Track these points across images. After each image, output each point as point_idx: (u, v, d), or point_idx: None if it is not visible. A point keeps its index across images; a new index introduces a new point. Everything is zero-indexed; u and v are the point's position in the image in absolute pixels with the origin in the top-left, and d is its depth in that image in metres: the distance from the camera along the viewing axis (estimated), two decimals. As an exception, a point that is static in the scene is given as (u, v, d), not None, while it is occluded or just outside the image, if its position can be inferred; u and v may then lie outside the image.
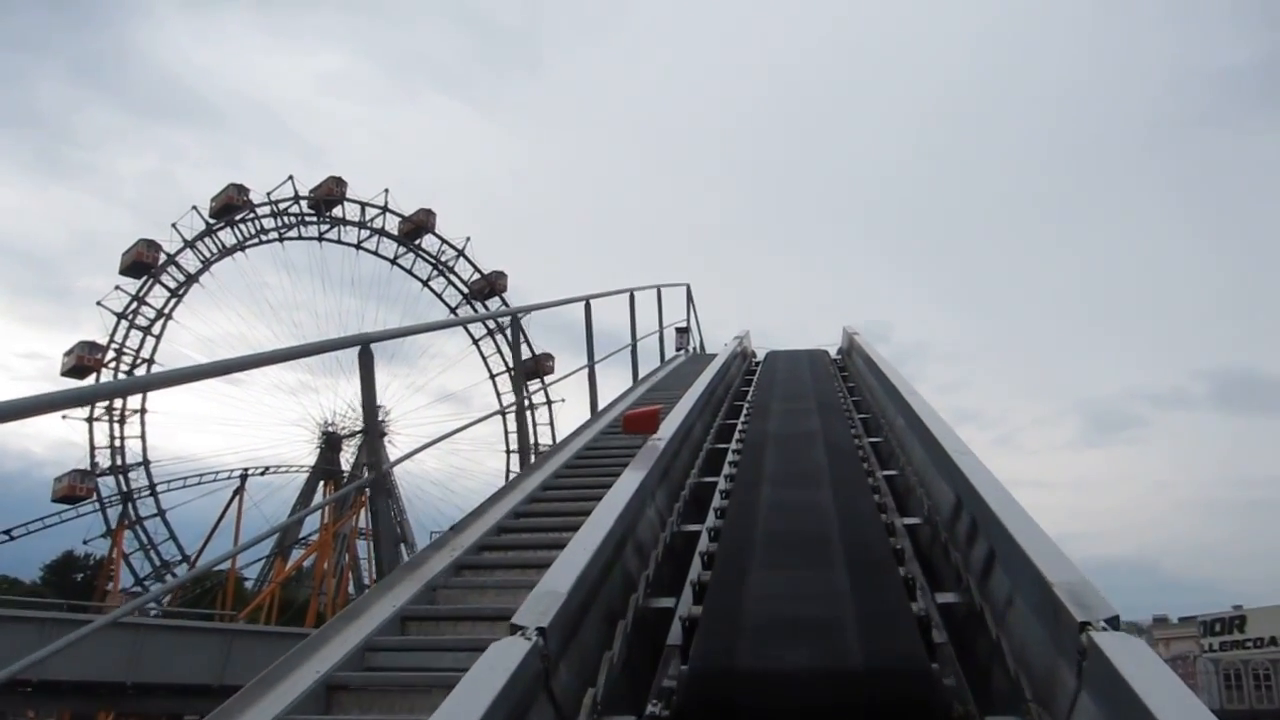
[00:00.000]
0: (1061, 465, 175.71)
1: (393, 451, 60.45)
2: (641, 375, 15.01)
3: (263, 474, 51.89)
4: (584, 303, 14.05)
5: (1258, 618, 46.58)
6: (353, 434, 62.36)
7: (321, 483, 58.00)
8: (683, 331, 19.68)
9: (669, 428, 7.24)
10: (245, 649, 27.00)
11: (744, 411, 10.61)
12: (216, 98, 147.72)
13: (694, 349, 20.12)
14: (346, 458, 62.61)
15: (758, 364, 15.87)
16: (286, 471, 56.89)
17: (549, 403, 61.34)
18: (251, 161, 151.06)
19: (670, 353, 18.78)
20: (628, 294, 16.73)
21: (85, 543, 57.52)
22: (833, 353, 16.87)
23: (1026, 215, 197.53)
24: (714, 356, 15.21)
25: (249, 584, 57.59)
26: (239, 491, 47.14)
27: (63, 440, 56.47)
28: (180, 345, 57.00)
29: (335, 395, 61.43)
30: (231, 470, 51.37)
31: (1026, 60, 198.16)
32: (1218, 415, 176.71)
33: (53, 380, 56.97)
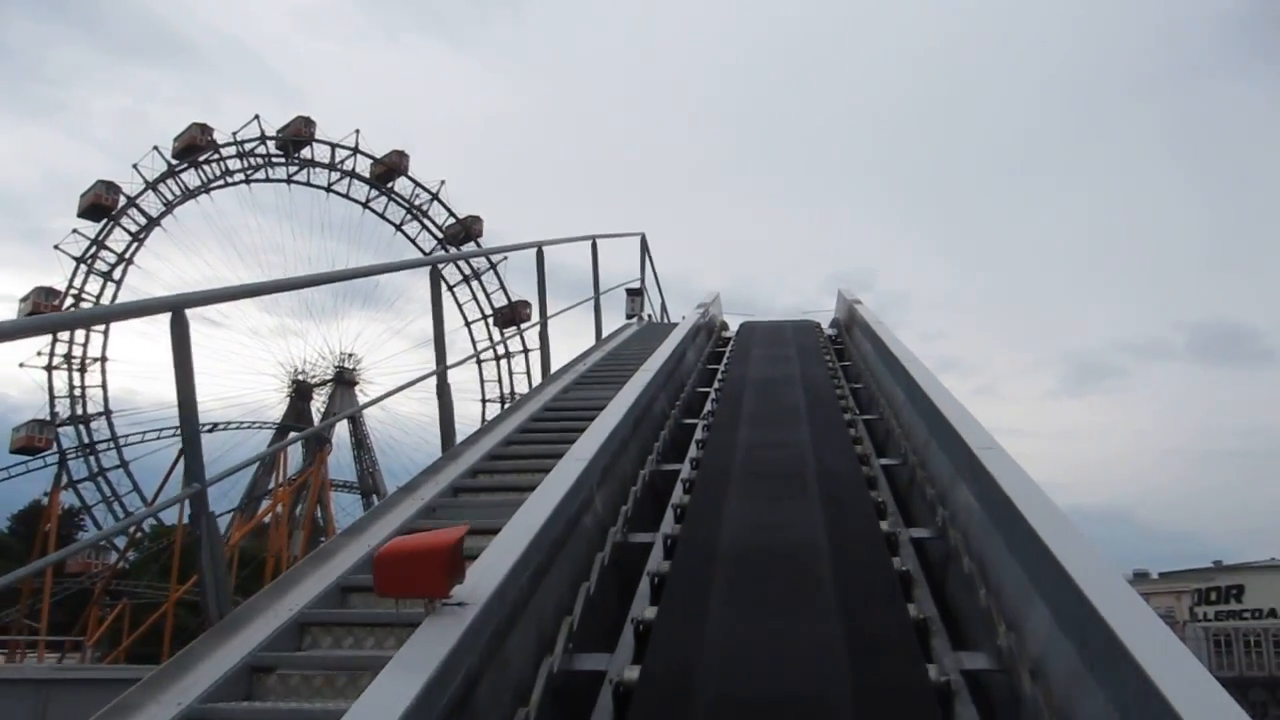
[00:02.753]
0: (1042, 414, 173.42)
1: (362, 399, 57.33)
2: (567, 361, 10.95)
3: (209, 430, 47.79)
4: (536, 249, 11.41)
5: (1256, 586, 43.35)
6: (324, 382, 58.85)
7: (282, 435, 54.06)
8: (635, 294, 15.65)
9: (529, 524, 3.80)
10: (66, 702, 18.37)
11: (693, 447, 6.66)
12: (191, 34, 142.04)
13: (649, 316, 16.05)
14: (317, 407, 59.19)
15: (729, 340, 11.88)
16: (240, 428, 52.86)
17: (525, 350, 57.31)
18: (227, 101, 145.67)
19: (618, 322, 14.74)
20: (589, 241, 12.90)
21: (45, 495, 53.62)
22: (825, 324, 12.90)
23: (1014, 165, 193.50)
24: (673, 328, 11.35)
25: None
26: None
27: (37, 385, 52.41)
28: (140, 292, 52.83)
29: (305, 343, 57.79)
30: (175, 429, 47.10)
31: (1019, 6, 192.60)
32: (1197, 366, 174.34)
33: (16, 326, 52.85)
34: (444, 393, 7.62)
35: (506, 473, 7.03)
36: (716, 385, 8.73)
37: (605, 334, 13.36)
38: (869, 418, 7.40)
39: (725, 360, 10.18)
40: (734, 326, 13.05)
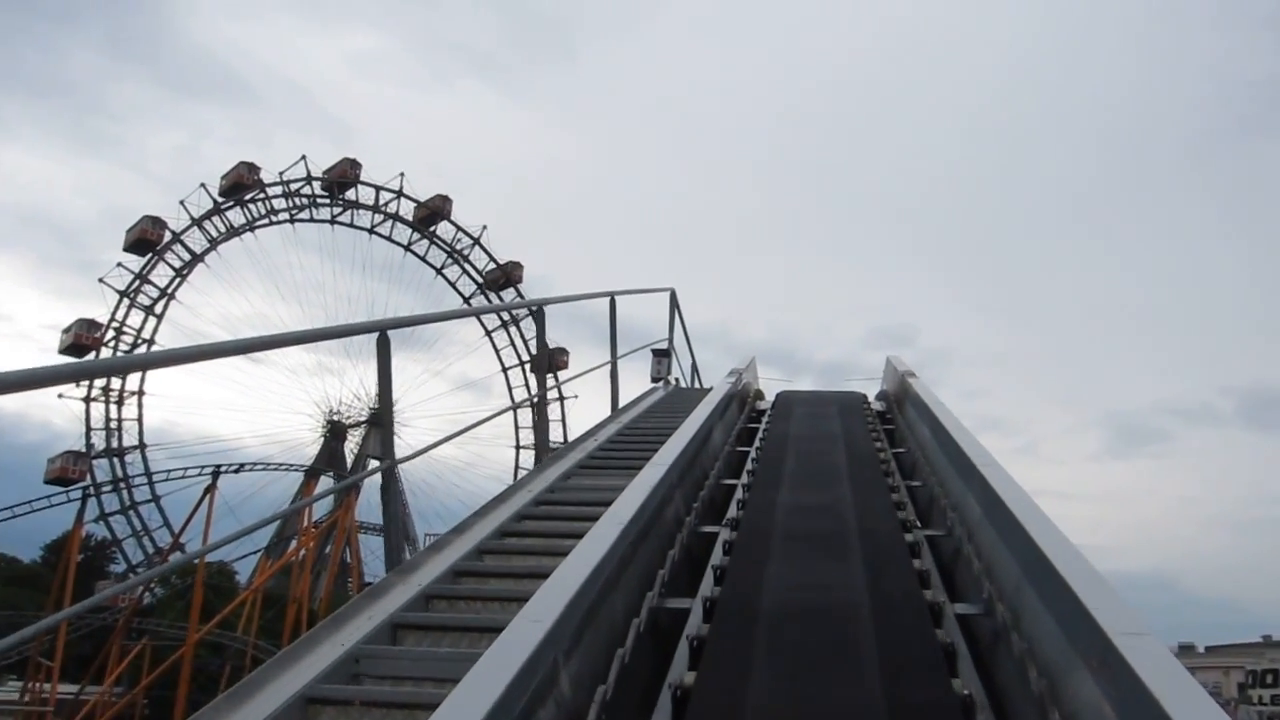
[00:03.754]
0: (1085, 477, 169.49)
1: (399, 443, 56.20)
2: (573, 437, 9.55)
3: (236, 471, 46.87)
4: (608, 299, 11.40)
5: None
6: (358, 424, 57.87)
7: (310, 479, 53.04)
8: (662, 355, 14.19)
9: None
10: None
11: (713, 571, 5.14)
12: (249, 74, 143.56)
13: (678, 379, 14.60)
14: (350, 448, 58.22)
15: (762, 414, 10.43)
16: (265, 469, 51.90)
17: (562, 399, 56.00)
18: (279, 139, 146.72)
19: (642, 387, 13.29)
20: (607, 298, 11.62)
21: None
22: (871, 396, 11.42)
23: (1060, 222, 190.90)
24: (705, 394, 9.98)
25: (240, 578, 53.23)
26: (210, 489, 42.12)
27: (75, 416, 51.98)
28: (182, 326, 52.43)
29: (341, 383, 56.96)
30: (203, 467, 46.33)
31: (1070, 66, 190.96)
32: (1245, 432, 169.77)
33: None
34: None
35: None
36: (736, 503, 6.87)
37: (633, 396, 11.99)
38: (932, 534, 5.79)
39: (757, 443, 8.71)
40: (770, 395, 11.58)
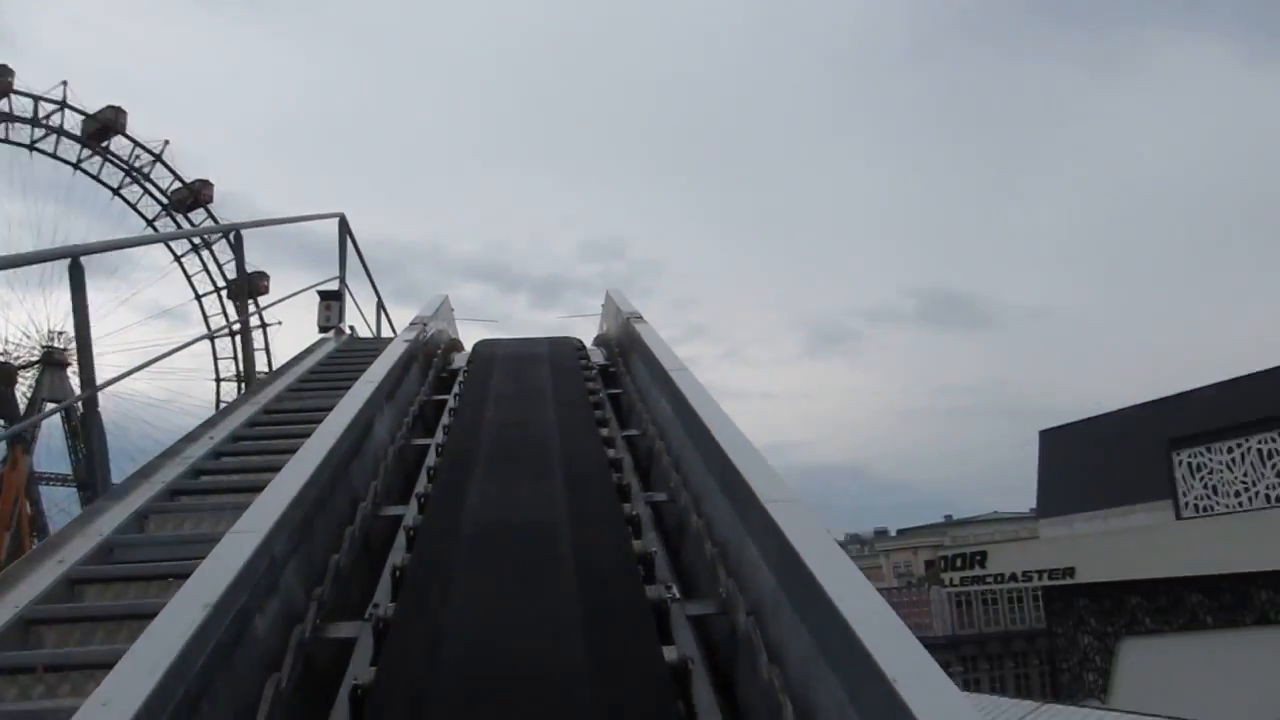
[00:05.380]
0: (786, 377, 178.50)
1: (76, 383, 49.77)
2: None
3: None
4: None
5: (997, 554, 43.62)
6: (29, 364, 50.72)
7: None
8: (331, 299, 11.44)
9: None
10: None
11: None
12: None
13: (352, 327, 11.93)
14: (23, 392, 51.03)
15: (456, 376, 8.09)
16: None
17: (264, 325, 51.09)
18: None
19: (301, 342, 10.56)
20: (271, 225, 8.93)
21: None
22: (589, 342, 9.34)
23: (763, 136, 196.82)
24: (386, 346, 7.56)
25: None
26: None
27: None
28: None
29: (5, 320, 49.46)
30: None
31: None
32: (924, 330, 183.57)
33: None
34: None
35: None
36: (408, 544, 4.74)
37: (288, 358, 9.34)
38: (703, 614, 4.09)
39: (441, 436, 6.40)
40: (466, 347, 9.26)
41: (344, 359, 9.67)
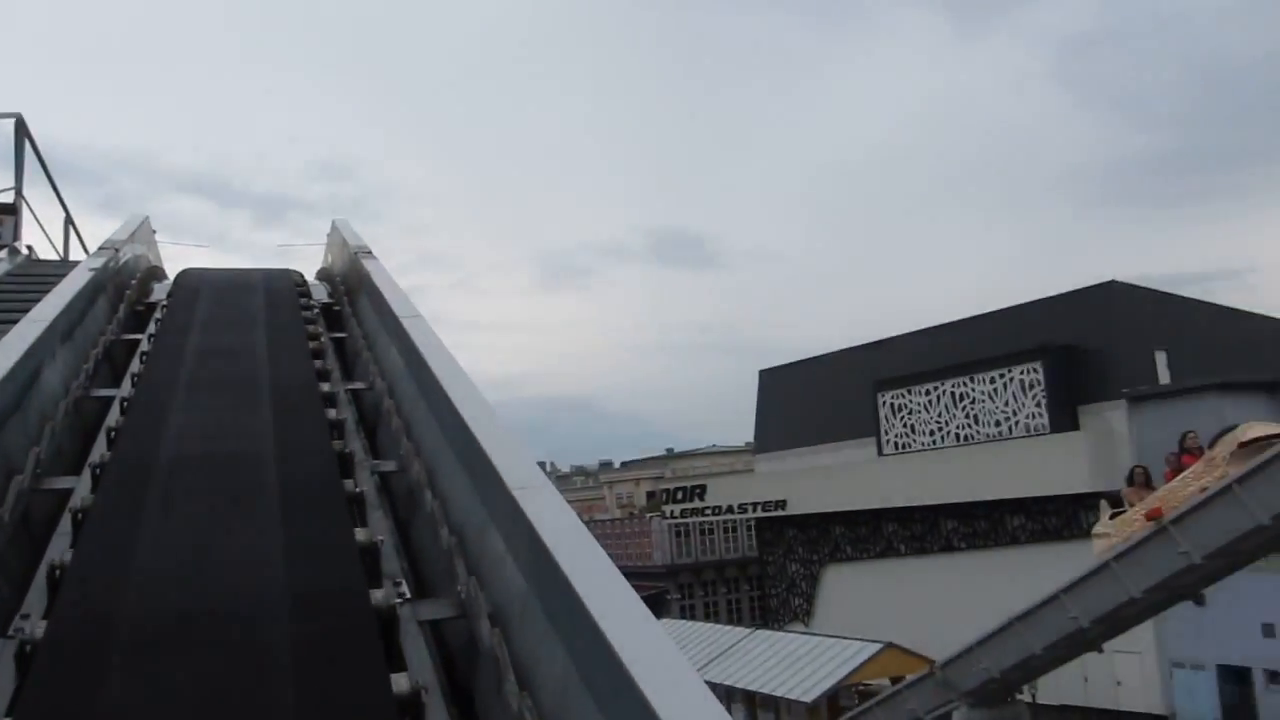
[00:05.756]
0: (517, 309, 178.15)
1: None
2: None
3: None
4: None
5: (716, 488, 45.38)
6: None
7: None
8: (4, 212, 9.90)
9: None
10: None
11: None
12: None
13: (30, 247, 10.40)
14: None
15: (152, 311, 7.06)
16: None
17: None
18: None
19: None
20: None
21: None
22: (310, 276, 8.48)
23: (499, 65, 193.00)
24: (64, 279, 6.42)
25: None
26: None
27: None
28: None
29: None
30: None
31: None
32: (653, 267, 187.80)
33: None
34: None
35: None
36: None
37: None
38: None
39: (126, 393, 5.47)
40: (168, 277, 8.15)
41: (17, 285, 8.27)
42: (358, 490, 4.07)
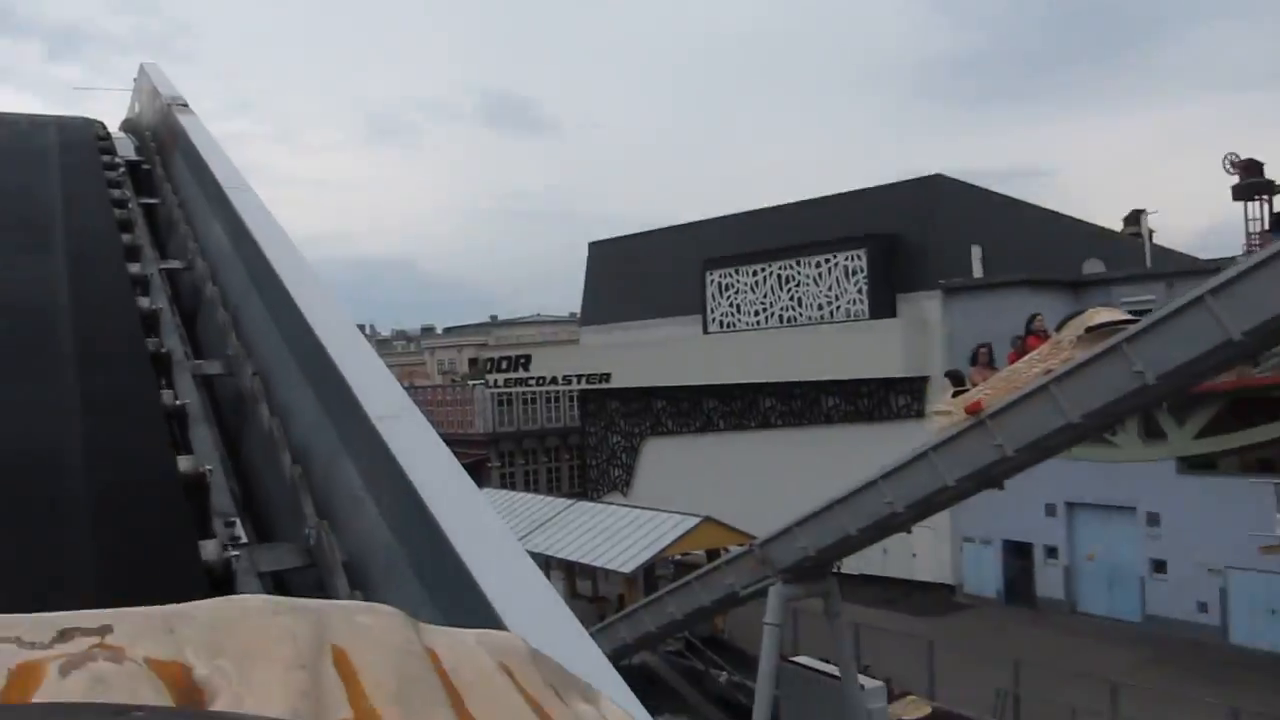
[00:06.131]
0: (338, 165, 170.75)
1: None
2: None
3: None
4: None
5: (541, 358, 45.16)
6: None
7: None
8: None
9: None
10: None
11: None
12: None
13: None
14: None
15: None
16: None
17: None
18: None
19: None
20: None
21: None
22: (113, 127, 7.48)
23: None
24: None
25: None
26: None
27: None
28: None
29: None
30: None
31: None
32: (482, 129, 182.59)
33: None
34: None
35: None
36: None
37: None
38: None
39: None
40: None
41: None
42: (178, 404, 3.40)
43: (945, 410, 14.35)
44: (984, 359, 15.13)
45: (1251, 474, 24.67)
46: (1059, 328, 13.64)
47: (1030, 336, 14.36)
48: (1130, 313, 14.04)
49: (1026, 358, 13.60)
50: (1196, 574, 26.32)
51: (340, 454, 2.83)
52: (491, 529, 2.20)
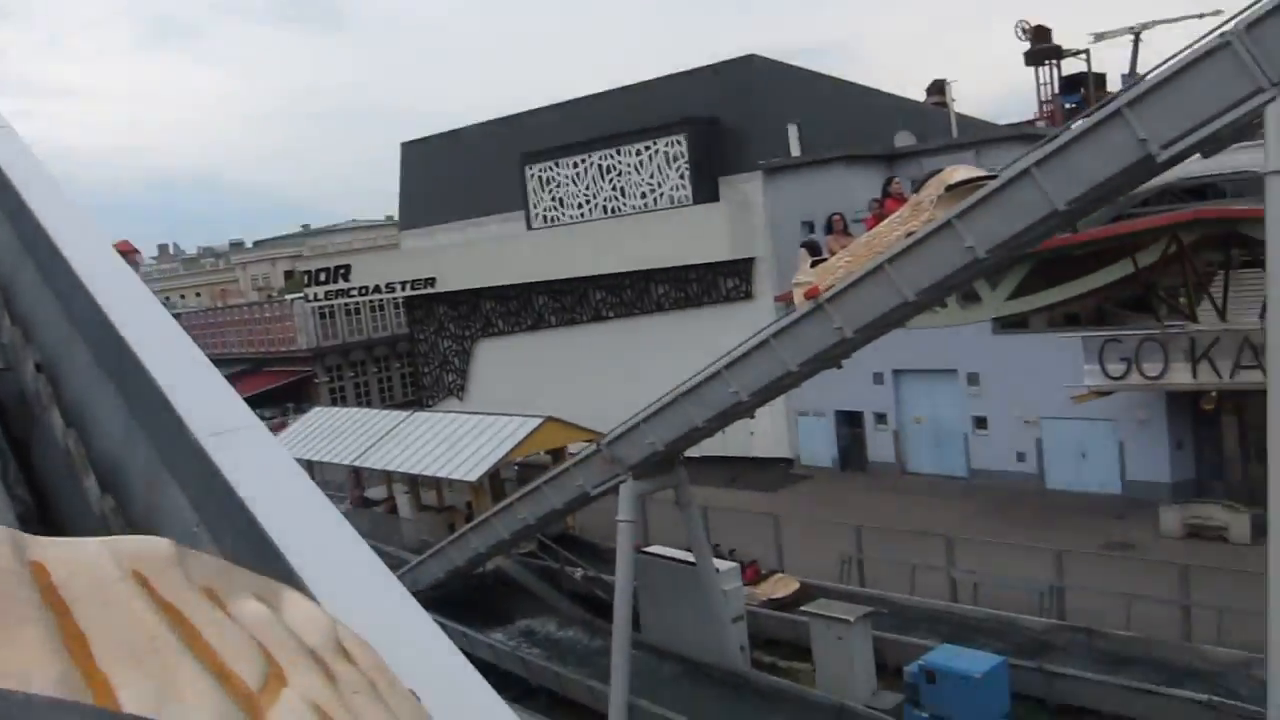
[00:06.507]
0: (116, 73, 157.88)
1: None
2: None
3: None
4: None
5: (361, 266, 43.44)
6: None
7: None
8: None
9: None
10: None
11: None
12: None
13: None
14: None
15: None
16: None
17: None
18: None
19: None
20: None
21: None
22: None
23: None
24: None
25: None
26: None
27: None
28: None
29: None
30: None
31: None
32: (275, 29, 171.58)
33: None
34: None
35: None
36: None
37: None
38: None
39: None
40: None
41: None
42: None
43: (805, 281, 14.22)
44: (839, 226, 14.95)
45: (1060, 329, 26.12)
46: (917, 189, 13.51)
47: (888, 200, 14.23)
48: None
49: (887, 220, 13.47)
50: (1015, 427, 27.93)
51: (162, 476, 2.15)
52: (361, 565, 1.72)
